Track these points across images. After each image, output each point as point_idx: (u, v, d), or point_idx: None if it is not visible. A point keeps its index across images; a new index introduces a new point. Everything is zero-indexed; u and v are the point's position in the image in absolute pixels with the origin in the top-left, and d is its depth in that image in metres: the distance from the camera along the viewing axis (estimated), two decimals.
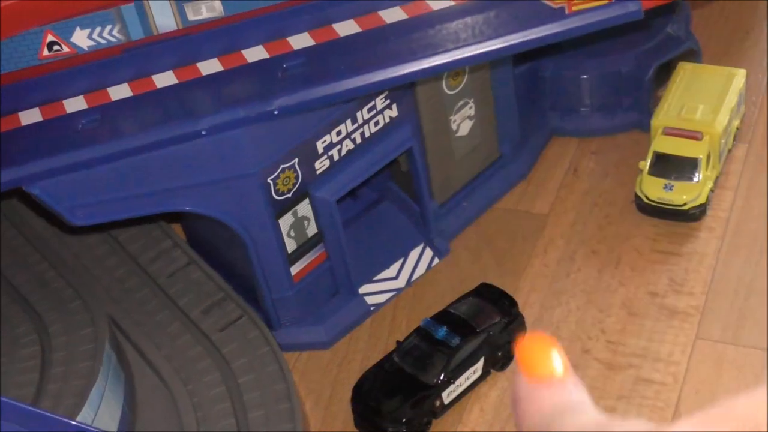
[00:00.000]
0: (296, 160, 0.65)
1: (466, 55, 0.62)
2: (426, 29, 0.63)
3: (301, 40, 0.64)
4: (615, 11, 0.61)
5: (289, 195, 0.66)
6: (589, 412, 0.30)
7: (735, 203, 0.74)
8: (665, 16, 0.80)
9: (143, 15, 0.63)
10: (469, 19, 0.63)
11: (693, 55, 0.79)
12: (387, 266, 0.74)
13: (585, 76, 0.79)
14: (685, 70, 0.75)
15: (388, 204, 0.76)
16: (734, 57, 0.83)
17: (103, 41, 0.64)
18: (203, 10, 0.64)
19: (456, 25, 0.64)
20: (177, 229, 0.76)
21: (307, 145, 0.65)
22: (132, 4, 0.63)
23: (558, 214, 0.77)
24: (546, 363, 0.31)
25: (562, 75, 0.79)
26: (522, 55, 0.77)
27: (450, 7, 0.64)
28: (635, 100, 0.79)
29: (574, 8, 0.62)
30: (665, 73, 0.78)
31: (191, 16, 0.64)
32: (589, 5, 0.62)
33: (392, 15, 0.64)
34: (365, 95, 0.65)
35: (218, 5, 0.64)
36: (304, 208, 0.68)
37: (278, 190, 0.66)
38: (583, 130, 0.80)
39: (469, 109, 0.73)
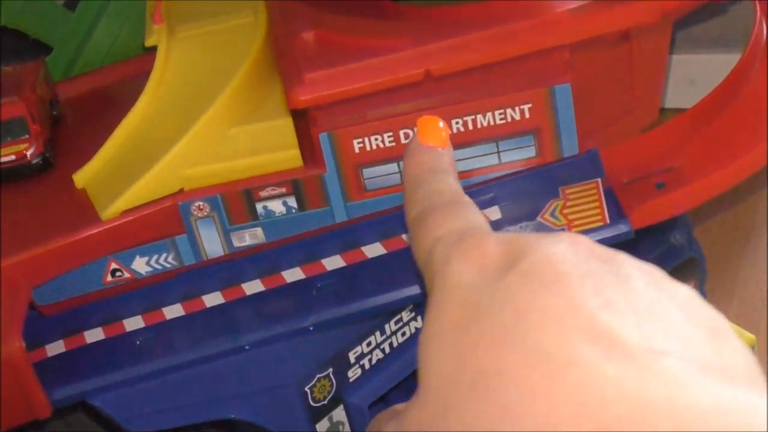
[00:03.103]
0: (331, 369, 0.73)
1: None
2: None
3: (333, 262, 0.72)
4: (609, 232, 0.69)
5: (325, 402, 0.73)
6: (449, 180, 0.42)
7: None
8: (668, 225, 0.87)
9: (194, 243, 0.72)
10: None
11: (695, 263, 0.86)
12: None
13: None
14: None
15: None
16: (735, 262, 0.90)
17: (159, 267, 0.72)
18: (247, 237, 0.73)
19: None
20: None
21: (340, 356, 0.73)
22: (185, 235, 0.71)
23: None
24: (437, 133, 0.44)
25: None
26: None
27: None
28: None
29: (574, 229, 0.69)
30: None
31: (236, 243, 0.73)
32: (587, 227, 0.69)
33: None
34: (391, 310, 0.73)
35: (260, 233, 0.72)
36: (339, 413, 0.74)
37: (315, 397, 0.73)
38: None
39: None
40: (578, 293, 0.30)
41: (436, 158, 0.43)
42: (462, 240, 0.36)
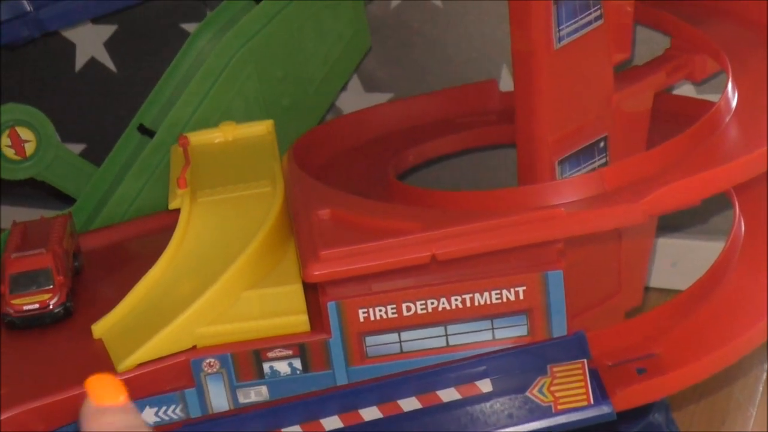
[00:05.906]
0: None
1: None
2: (435, 417, 0.76)
3: (332, 423, 0.77)
4: (593, 412, 0.74)
5: None
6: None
7: None
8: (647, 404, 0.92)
9: (202, 397, 0.76)
10: (468, 409, 0.76)
11: None
12: None
13: None
14: None
15: None
16: None
17: (167, 418, 0.76)
18: (252, 394, 0.77)
19: (461, 413, 0.76)
20: None
21: None
22: (194, 389, 0.76)
23: None
24: (112, 389, 0.41)
25: None
26: None
27: (458, 400, 0.76)
28: None
29: (560, 407, 0.74)
30: None
31: (242, 399, 0.77)
32: (572, 405, 0.74)
33: (408, 404, 0.77)
34: None
35: (265, 390, 0.77)
36: None
37: None
38: None
39: None
40: None
41: (121, 416, 0.41)
42: None
